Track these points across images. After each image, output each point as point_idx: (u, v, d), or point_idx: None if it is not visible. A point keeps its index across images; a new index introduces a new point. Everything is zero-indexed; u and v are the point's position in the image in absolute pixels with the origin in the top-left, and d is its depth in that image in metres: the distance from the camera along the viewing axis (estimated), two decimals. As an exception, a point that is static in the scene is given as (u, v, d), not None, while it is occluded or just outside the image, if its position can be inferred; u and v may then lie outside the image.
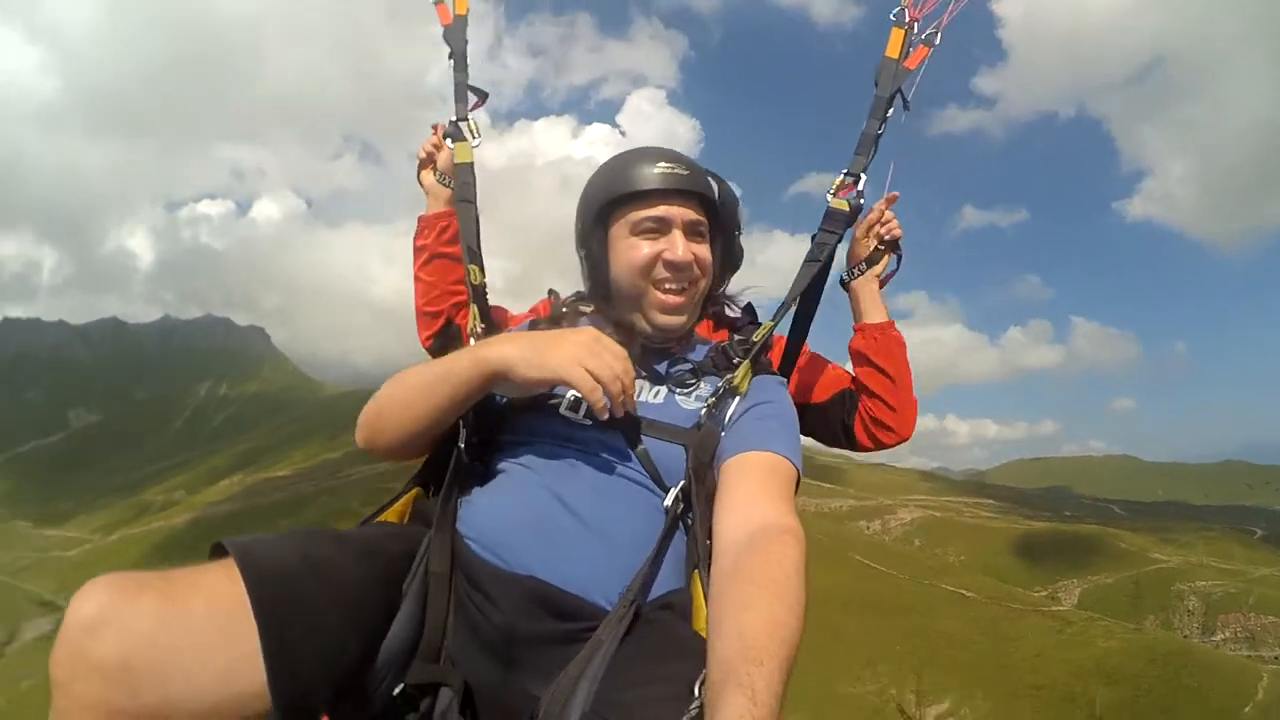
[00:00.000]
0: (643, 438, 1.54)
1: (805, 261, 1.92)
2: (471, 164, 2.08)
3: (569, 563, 1.34)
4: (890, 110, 2.02)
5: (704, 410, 1.57)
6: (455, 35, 2.21)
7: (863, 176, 1.99)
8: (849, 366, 2.16)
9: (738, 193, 1.91)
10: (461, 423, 1.60)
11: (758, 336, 1.73)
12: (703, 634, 1.22)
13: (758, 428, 1.53)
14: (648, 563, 1.34)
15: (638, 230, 1.69)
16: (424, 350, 2.29)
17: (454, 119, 2.15)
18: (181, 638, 1.05)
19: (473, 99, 2.19)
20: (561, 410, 1.55)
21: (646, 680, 1.12)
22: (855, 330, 2.14)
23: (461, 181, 2.06)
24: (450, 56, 2.20)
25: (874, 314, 2.12)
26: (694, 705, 1.01)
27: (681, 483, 1.46)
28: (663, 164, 1.69)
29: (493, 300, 1.97)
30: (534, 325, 1.81)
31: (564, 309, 1.84)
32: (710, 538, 1.35)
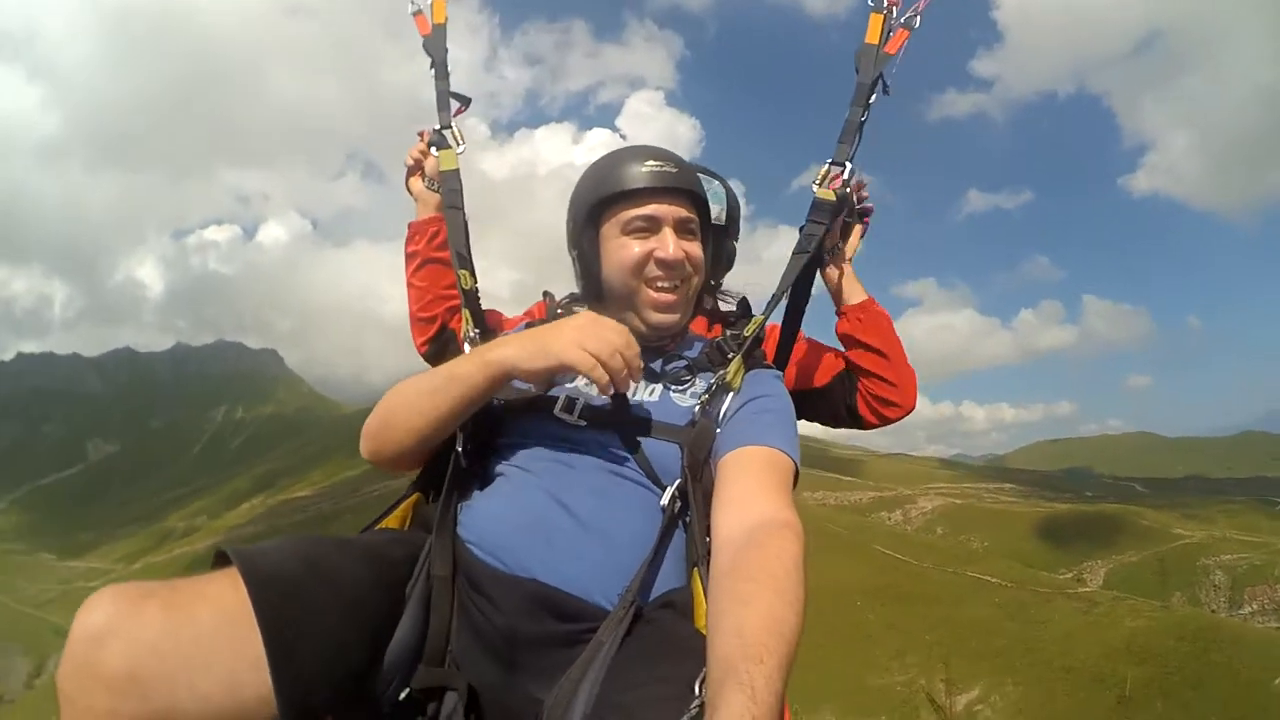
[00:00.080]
0: (638, 437, 1.54)
1: (794, 253, 1.92)
2: (457, 170, 2.09)
3: (569, 564, 1.34)
4: (873, 97, 2.02)
5: (698, 407, 1.57)
6: (435, 44, 2.22)
7: (848, 165, 1.99)
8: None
9: (740, 190, 1.91)
10: (458, 428, 1.61)
11: (749, 330, 1.73)
12: (704, 632, 1.21)
13: (754, 422, 1.52)
14: (647, 562, 1.34)
15: (628, 229, 1.68)
16: (421, 356, 2.30)
17: (438, 126, 2.17)
18: (187, 646, 1.06)
19: (455, 105, 2.20)
20: (555, 412, 1.55)
21: (647, 681, 1.12)
22: (839, 315, 2.13)
23: (448, 188, 2.07)
24: (431, 66, 2.20)
25: (853, 295, 2.12)
26: (694, 704, 1.01)
27: (678, 480, 1.46)
28: (651, 162, 1.68)
29: (502, 309, 1.98)
30: (530, 327, 1.82)
31: (559, 310, 1.84)
32: (709, 534, 1.35)
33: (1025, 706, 30.49)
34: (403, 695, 1.28)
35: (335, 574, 1.24)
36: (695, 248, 1.73)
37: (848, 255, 2.14)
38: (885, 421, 2.10)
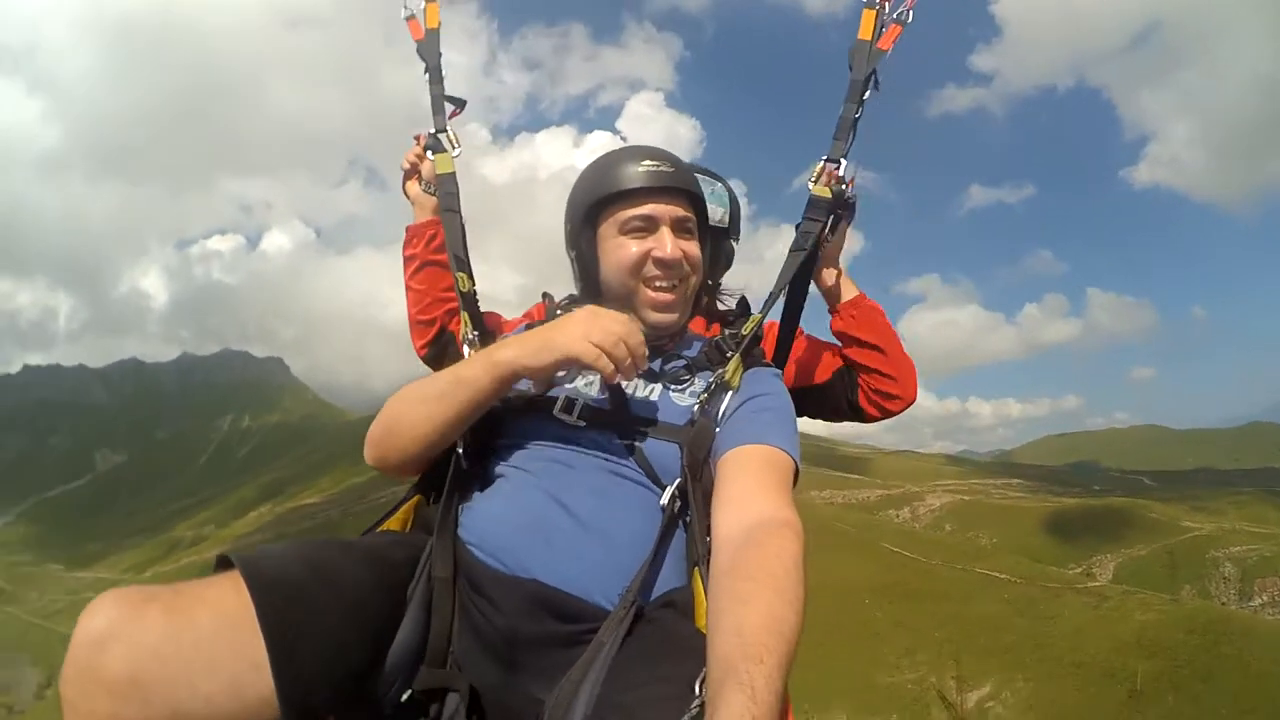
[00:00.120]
0: (637, 436, 1.54)
1: (791, 251, 1.93)
2: (453, 173, 2.10)
3: (569, 564, 1.34)
4: (867, 93, 2.02)
5: (697, 406, 1.56)
6: (429, 49, 2.23)
7: (843, 161, 2.00)
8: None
9: (741, 190, 1.91)
10: None
11: (747, 329, 1.73)
12: (704, 631, 1.21)
13: (753, 421, 1.52)
14: (647, 562, 1.34)
15: (626, 229, 1.69)
16: (420, 359, 2.30)
17: (433, 130, 2.18)
18: (189, 649, 1.07)
19: (451, 109, 2.21)
20: (555, 412, 1.55)
21: (648, 681, 1.12)
22: (832, 313, 2.14)
23: (445, 191, 2.08)
24: (426, 71, 2.22)
25: (845, 292, 2.13)
26: (694, 704, 1.00)
27: (678, 480, 1.45)
28: (647, 162, 1.69)
29: (504, 313, 1.98)
30: (530, 329, 1.82)
31: (558, 311, 1.84)
32: (709, 534, 1.35)
33: (1036, 702, 30.36)
34: (405, 697, 1.28)
35: (337, 576, 1.24)
36: (693, 247, 1.73)
37: (836, 251, 2.15)
38: (887, 414, 2.11)
